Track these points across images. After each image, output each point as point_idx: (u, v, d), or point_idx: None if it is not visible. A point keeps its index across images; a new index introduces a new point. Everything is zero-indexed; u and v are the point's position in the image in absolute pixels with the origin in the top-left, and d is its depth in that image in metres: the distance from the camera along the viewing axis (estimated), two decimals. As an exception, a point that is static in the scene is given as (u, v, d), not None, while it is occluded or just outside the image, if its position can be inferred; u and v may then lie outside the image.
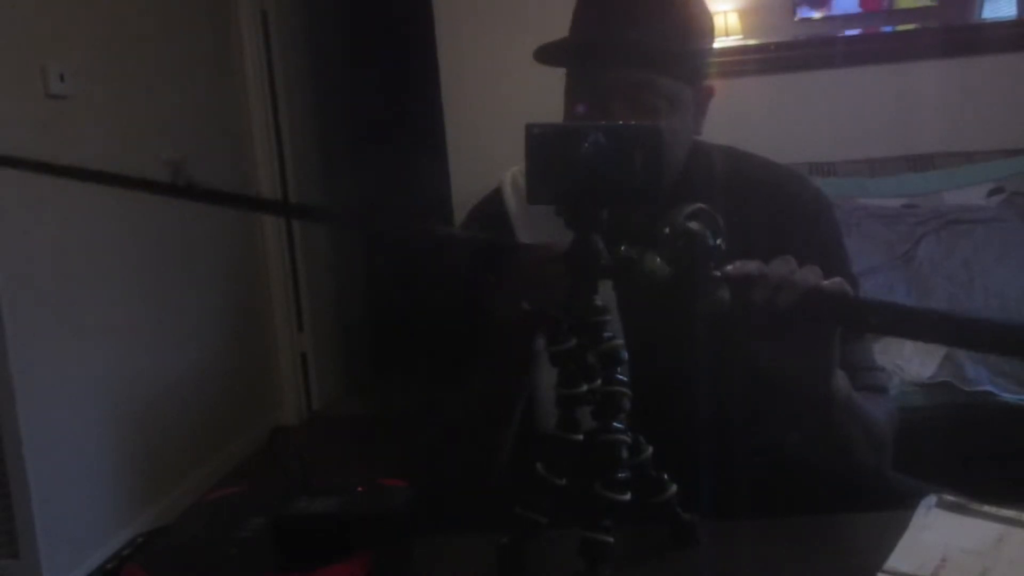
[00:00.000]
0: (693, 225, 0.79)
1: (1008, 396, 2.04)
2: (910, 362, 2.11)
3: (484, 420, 1.02)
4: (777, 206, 1.11)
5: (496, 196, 1.17)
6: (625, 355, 0.78)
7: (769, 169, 1.17)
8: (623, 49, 1.03)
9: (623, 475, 0.76)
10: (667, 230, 0.79)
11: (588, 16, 1.08)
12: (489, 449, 1.02)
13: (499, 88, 3.24)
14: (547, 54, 1.06)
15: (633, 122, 0.96)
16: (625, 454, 0.77)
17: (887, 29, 3.31)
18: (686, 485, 0.85)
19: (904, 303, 0.84)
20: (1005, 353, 0.86)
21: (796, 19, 3.31)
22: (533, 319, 0.88)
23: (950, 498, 0.85)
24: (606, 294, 0.80)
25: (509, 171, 1.17)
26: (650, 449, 0.82)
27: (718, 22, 3.22)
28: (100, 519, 2.60)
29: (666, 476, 0.84)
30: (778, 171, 1.17)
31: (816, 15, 3.31)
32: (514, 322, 0.90)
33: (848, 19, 3.35)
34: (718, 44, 3.12)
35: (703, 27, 1.09)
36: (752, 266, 0.83)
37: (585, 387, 0.77)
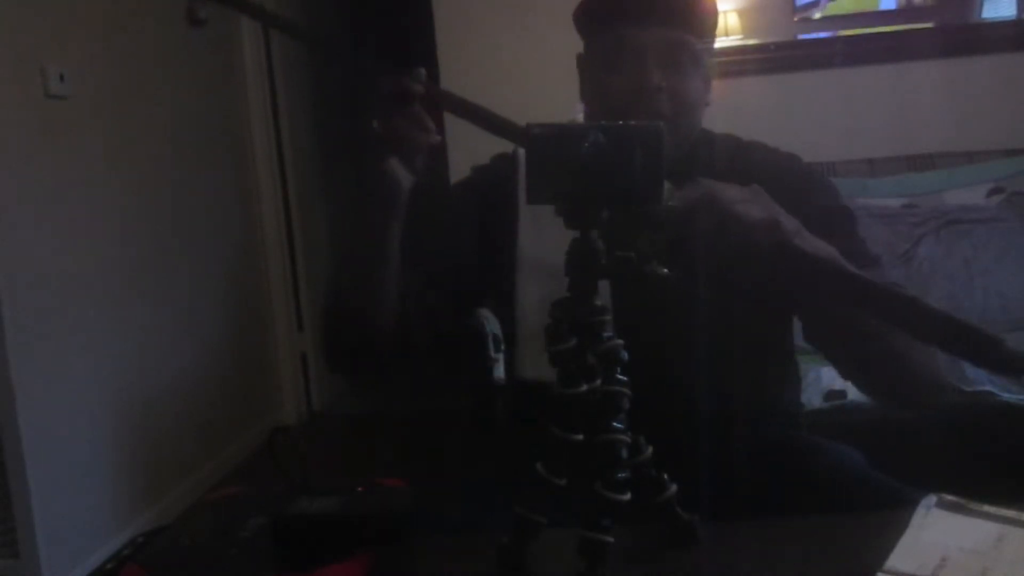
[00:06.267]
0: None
1: (1008, 396, 2.04)
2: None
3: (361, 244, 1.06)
4: (776, 184, 1.11)
5: (506, 159, 1.19)
6: (625, 355, 0.78)
7: (768, 151, 1.21)
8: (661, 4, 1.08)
9: (623, 475, 0.76)
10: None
11: None
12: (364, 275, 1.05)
13: (499, 88, 3.24)
14: (589, 11, 1.11)
15: (633, 122, 0.96)
16: (625, 454, 0.77)
17: (887, 29, 3.31)
18: (686, 485, 0.85)
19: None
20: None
21: (796, 19, 3.31)
22: (382, 141, 0.93)
23: (950, 498, 0.85)
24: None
25: None
26: (650, 449, 0.82)
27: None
28: (100, 519, 2.60)
29: (666, 476, 0.84)
30: (776, 153, 1.21)
31: (817, 15, 3.31)
32: (374, 145, 0.94)
33: (847, 19, 3.35)
34: (718, 44, 3.14)
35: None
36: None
37: (585, 387, 0.78)
